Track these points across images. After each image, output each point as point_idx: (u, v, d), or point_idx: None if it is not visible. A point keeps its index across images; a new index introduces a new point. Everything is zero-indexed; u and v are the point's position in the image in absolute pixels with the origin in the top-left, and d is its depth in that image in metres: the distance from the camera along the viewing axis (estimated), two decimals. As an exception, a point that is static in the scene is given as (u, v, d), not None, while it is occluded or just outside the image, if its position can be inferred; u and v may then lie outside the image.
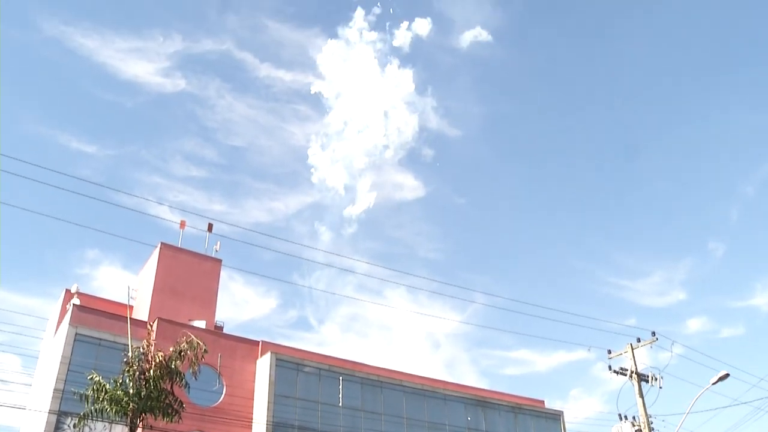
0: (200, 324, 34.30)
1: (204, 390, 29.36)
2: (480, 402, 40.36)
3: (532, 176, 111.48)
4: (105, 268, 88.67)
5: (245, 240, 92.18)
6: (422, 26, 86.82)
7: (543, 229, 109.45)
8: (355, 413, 34.71)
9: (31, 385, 35.38)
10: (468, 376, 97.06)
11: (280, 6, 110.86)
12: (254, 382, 33.43)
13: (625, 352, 25.61)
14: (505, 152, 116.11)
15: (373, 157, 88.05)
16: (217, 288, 38.51)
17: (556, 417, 43.65)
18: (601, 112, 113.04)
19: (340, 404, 34.36)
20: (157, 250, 37.62)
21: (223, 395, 31.83)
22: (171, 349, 19.27)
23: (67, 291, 37.68)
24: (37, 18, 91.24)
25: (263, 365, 33.38)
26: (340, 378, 35.13)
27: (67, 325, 30.31)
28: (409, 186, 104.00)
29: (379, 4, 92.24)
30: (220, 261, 39.34)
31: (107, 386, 18.18)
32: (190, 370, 19.14)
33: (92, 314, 31.68)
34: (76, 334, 30.05)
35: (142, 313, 35.85)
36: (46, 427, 27.75)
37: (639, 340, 25.62)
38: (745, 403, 28.08)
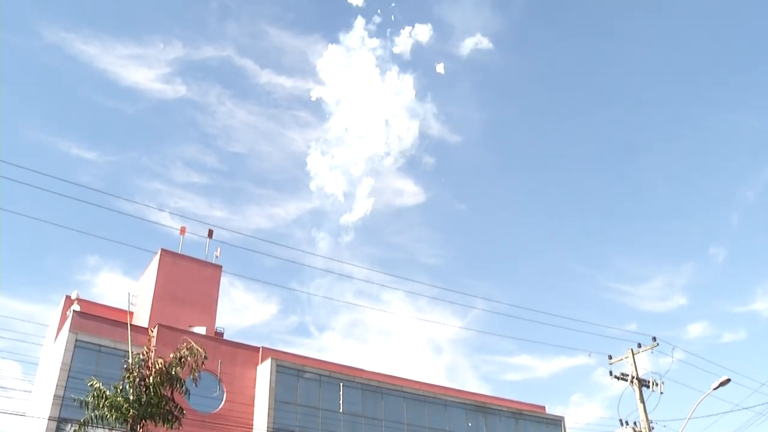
0: (200, 330, 34.27)
1: (204, 396, 29.30)
2: (481, 408, 40.29)
3: (533, 181, 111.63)
4: (105, 275, 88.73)
5: (246, 246, 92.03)
6: (422, 32, 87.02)
7: (543, 234, 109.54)
8: (355, 419, 34.65)
9: (31, 392, 35.36)
10: (469, 381, 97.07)
11: (281, 13, 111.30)
12: (254, 388, 33.39)
13: (626, 358, 25.61)
14: (505, 158, 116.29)
15: (373, 164, 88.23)
16: (218, 294, 38.51)
17: (557, 422, 43.58)
18: (601, 116, 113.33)
19: (341, 410, 34.30)
20: (158, 256, 37.63)
21: (223, 401, 31.80)
22: (171, 355, 19.23)
23: (68, 297, 37.69)
24: (37, 25, 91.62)
25: (263, 371, 33.35)
26: (341, 384, 35.08)
27: (68, 332, 30.29)
28: (409, 192, 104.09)
29: (379, 11, 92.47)
30: (220, 267, 39.37)
31: (107, 393, 18.14)
32: (191, 377, 19.08)
33: (92, 320, 31.66)
34: (77, 340, 30.02)
35: (142, 319, 35.84)
36: (46, 433, 27.68)
37: (640, 346, 25.62)
38: (747, 408, 28.02)
